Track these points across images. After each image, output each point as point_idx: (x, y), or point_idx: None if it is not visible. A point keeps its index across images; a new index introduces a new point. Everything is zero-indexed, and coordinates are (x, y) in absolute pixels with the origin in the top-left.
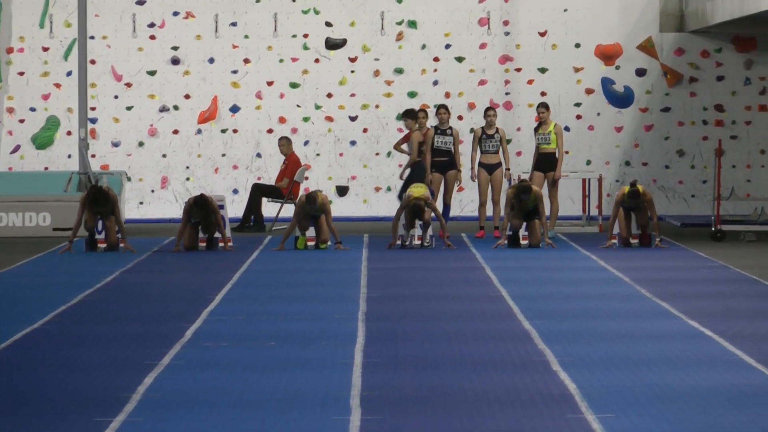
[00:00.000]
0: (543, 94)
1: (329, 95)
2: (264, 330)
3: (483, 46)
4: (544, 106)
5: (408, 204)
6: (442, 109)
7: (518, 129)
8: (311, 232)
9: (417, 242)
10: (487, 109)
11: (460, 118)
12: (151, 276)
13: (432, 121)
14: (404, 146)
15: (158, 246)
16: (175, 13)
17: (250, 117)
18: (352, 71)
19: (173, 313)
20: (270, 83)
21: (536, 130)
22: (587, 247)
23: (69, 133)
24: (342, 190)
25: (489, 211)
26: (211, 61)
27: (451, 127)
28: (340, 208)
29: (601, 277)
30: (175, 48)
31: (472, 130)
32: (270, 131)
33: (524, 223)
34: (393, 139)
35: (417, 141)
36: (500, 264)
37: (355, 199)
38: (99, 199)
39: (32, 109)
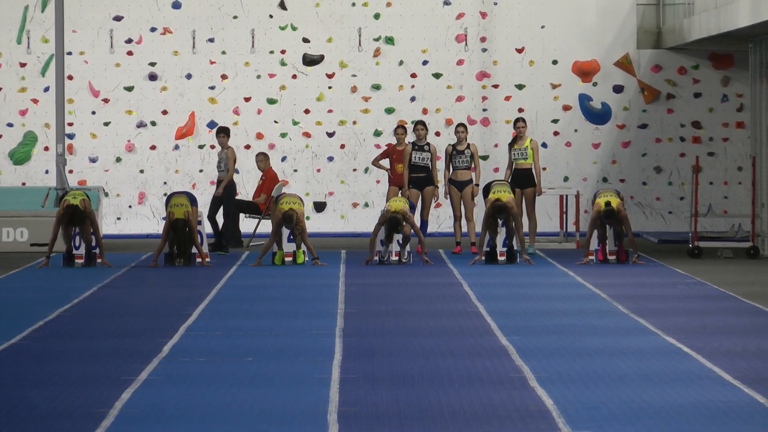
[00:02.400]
0: (520, 110)
1: (306, 111)
2: (241, 345)
3: (460, 62)
4: (522, 121)
5: (386, 217)
6: (420, 126)
7: (495, 145)
8: (289, 247)
9: (395, 258)
10: (457, 125)
11: (437, 134)
12: (129, 291)
13: (410, 137)
14: (382, 162)
15: (136, 261)
16: (153, 29)
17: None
18: (330, 87)
19: (150, 328)
20: (247, 99)
21: (511, 145)
22: (565, 263)
23: (46, 148)
24: (319, 206)
25: (465, 227)
26: (189, 76)
27: (428, 143)
28: (317, 223)
29: (579, 294)
30: (152, 64)
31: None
32: (247, 147)
33: (502, 238)
34: (370, 155)
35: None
36: (478, 280)
37: (332, 214)
38: (75, 218)
39: (9, 125)
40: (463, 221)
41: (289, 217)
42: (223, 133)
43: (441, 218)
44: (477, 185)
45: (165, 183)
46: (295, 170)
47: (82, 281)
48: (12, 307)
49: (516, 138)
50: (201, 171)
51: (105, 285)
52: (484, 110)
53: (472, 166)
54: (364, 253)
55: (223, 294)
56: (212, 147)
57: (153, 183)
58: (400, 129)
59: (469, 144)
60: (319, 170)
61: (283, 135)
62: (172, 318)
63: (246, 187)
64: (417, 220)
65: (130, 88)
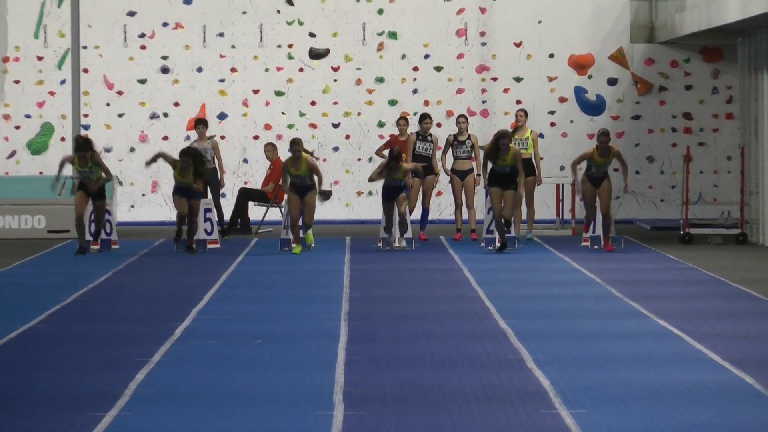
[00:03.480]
0: (518, 102)
1: (313, 103)
2: (250, 329)
3: (461, 56)
4: (523, 112)
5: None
6: (427, 119)
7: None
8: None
9: (397, 245)
10: (459, 116)
11: (438, 125)
12: (142, 277)
13: (411, 128)
14: (385, 152)
15: (149, 248)
16: (165, 24)
17: (237, 124)
18: (335, 80)
19: (163, 312)
20: (256, 91)
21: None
22: (561, 249)
23: (63, 139)
24: (325, 194)
25: (465, 214)
26: (200, 70)
27: (431, 134)
28: (323, 211)
29: (575, 279)
30: (164, 57)
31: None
32: (256, 137)
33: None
34: (374, 146)
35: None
36: (477, 266)
37: (337, 203)
38: (81, 145)
39: (27, 116)
40: (464, 209)
41: (294, 140)
42: (202, 124)
43: (442, 206)
44: (479, 174)
45: None
46: None
47: (98, 267)
48: (30, 291)
49: (516, 128)
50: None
51: (119, 270)
52: (484, 102)
53: (473, 155)
54: (369, 239)
55: (232, 279)
56: (222, 137)
57: (165, 172)
58: (402, 120)
59: (469, 135)
60: (325, 160)
61: (290, 126)
62: (184, 302)
63: (255, 177)
64: (418, 209)
65: (143, 81)
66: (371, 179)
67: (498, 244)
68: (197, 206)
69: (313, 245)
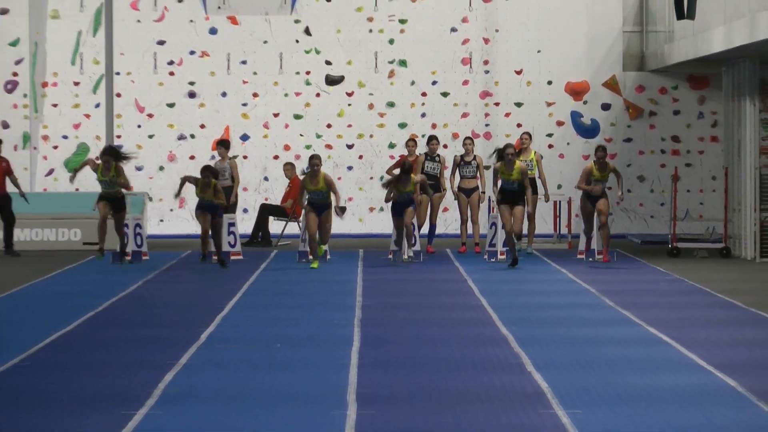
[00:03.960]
0: (519, 125)
1: (329, 126)
2: (270, 334)
3: (465, 82)
4: (528, 135)
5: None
6: (433, 140)
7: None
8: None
9: (405, 257)
10: (465, 139)
11: (445, 146)
12: (170, 286)
13: (420, 149)
14: (395, 171)
15: (177, 258)
16: (192, 52)
17: (258, 145)
18: (349, 104)
19: (190, 318)
20: (276, 115)
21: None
22: (558, 262)
23: (96, 159)
24: (342, 210)
25: (470, 229)
26: (224, 94)
27: (438, 155)
28: (338, 226)
29: (571, 289)
30: (191, 83)
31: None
32: (276, 157)
33: (503, 239)
34: (386, 165)
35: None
36: (481, 276)
37: (351, 218)
38: (107, 149)
39: (65, 137)
40: (469, 224)
41: (313, 156)
42: (223, 146)
43: (448, 221)
44: (483, 192)
45: None
46: None
47: (130, 276)
48: (66, 299)
49: (521, 150)
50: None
51: (149, 280)
52: (487, 125)
53: (478, 174)
54: (380, 252)
55: (254, 288)
56: (245, 157)
57: (192, 189)
58: (411, 142)
59: (475, 155)
60: (339, 178)
61: (308, 147)
62: (209, 309)
63: (275, 194)
64: (426, 225)
65: (171, 105)
66: (387, 200)
67: (501, 257)
68: (220, 223)
69: (328, 257)
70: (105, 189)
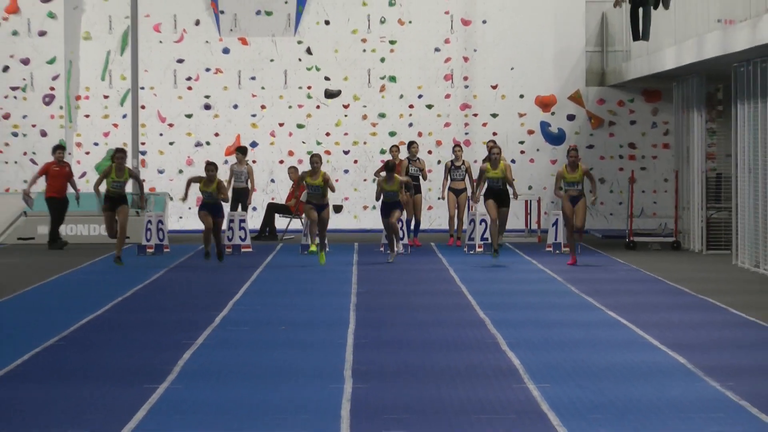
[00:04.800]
0: (494, 134)
1: (327, 134)
2: (276, 317)
3: (448, 96)
4: (493, 141)
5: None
6: (413, 145)
7: (475, 161)
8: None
9: (391, 260)
10: (455, 146)
11: (429, 152)
12: (189, 275)
13: (403, 154)
14: (382, 173)
15: (194, 251)
16: (207, 69)
17: (266, 151)
18: (345, 115)
19: (205, 303)
20: (281, 124)
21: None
22: (529, 254)
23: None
24: (337, 208)
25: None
26: (235, 107)
27: (418, 158)
28: (335, 222)
29: (540, 278)
30: (207, 96)
31: (439, 162)
32: (281, 162)
33: (482, 232)
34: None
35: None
36: (461, 266)
37: (347, 215)
38: (120, 149)
39: (95, 144)
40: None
41: (313, 155)
42: (241, 152)
43: (432, 217)
44: (473, 193)
45: None
46: None
47: (153, 267)
48: (97, 286)
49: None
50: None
51: (170, 269)
52: (466, 134)
53: (466, 177)
54: (373, 245)
55: (262, 277)
56: (254, 162)
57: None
58: (395, 148)
59: (464, 161)
60: (337, 180)
61: (309, 153)
62: (223, 295)
63: (280, 194)
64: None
65: (189, 116)
66: (377, 197)
67: (479, 250)
68: (221, 223)
69: (327, 249)
70: (113, 188)
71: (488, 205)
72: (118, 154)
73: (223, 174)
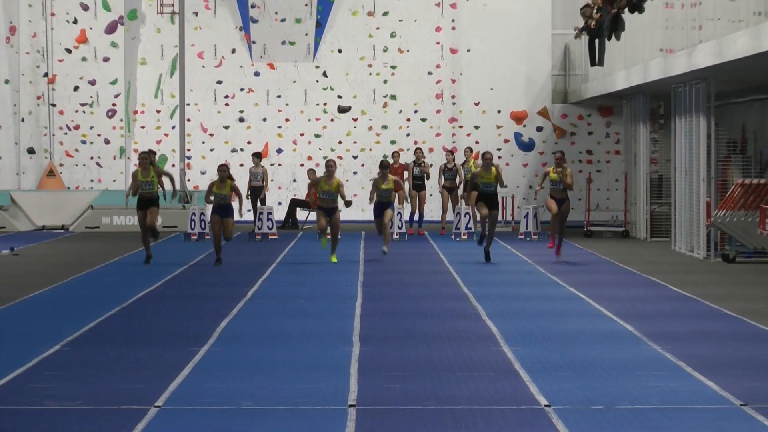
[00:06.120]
0: (477, 142)
1: (340, 142)
2: (297, 292)
3: (438, 111)
4: (470, 149)
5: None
6: (418, 150)
7: (462, 164)
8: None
9: (385, 250)
10: (447, 153)
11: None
12: (225, 257)
13: (409, 159)
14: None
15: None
16: (242, 89)
17: (289, 156)
18: (355, 127)
19: (239, 280)
20: (302, 134)
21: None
22: (505, 240)
23: (173, 165)
24: (348, 203)
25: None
26: (264, 120)
27: (423, 161)
28: (346, 214)
29: (513, 260)
30: (241, 111)
31: (431, 165)
32: (302, 165)
33: (465, 223)
34: None
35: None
36: (450, 251)
37: (356, 209)
38: (144, 151)
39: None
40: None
41: (328, 161)
42: (256, 156)
43: (426, 210)
44: (465, 192)
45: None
46: None
47: (195, 250)
48: (150, 267)
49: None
50: (272, 180)
51: (210, 253)
52: (453, 142)
53: (457, 178)
54: (377, 234)
55: (286, 259)
56: (279, 165)
57: (242, 188)
58: (396, 154)
59: (455, 164)
60: (347, 180)
61: (325, 158)
62: (254, 273)
63: (301, 191)
64: (416, 215)
65: (227, 127)
66: (371, 199)
67: (464, 237)
68: (232, 223)
69: (339, 237)
70: (144, 189)
71: (479, 206)
72: (141, 155)
73: (243, 175)
